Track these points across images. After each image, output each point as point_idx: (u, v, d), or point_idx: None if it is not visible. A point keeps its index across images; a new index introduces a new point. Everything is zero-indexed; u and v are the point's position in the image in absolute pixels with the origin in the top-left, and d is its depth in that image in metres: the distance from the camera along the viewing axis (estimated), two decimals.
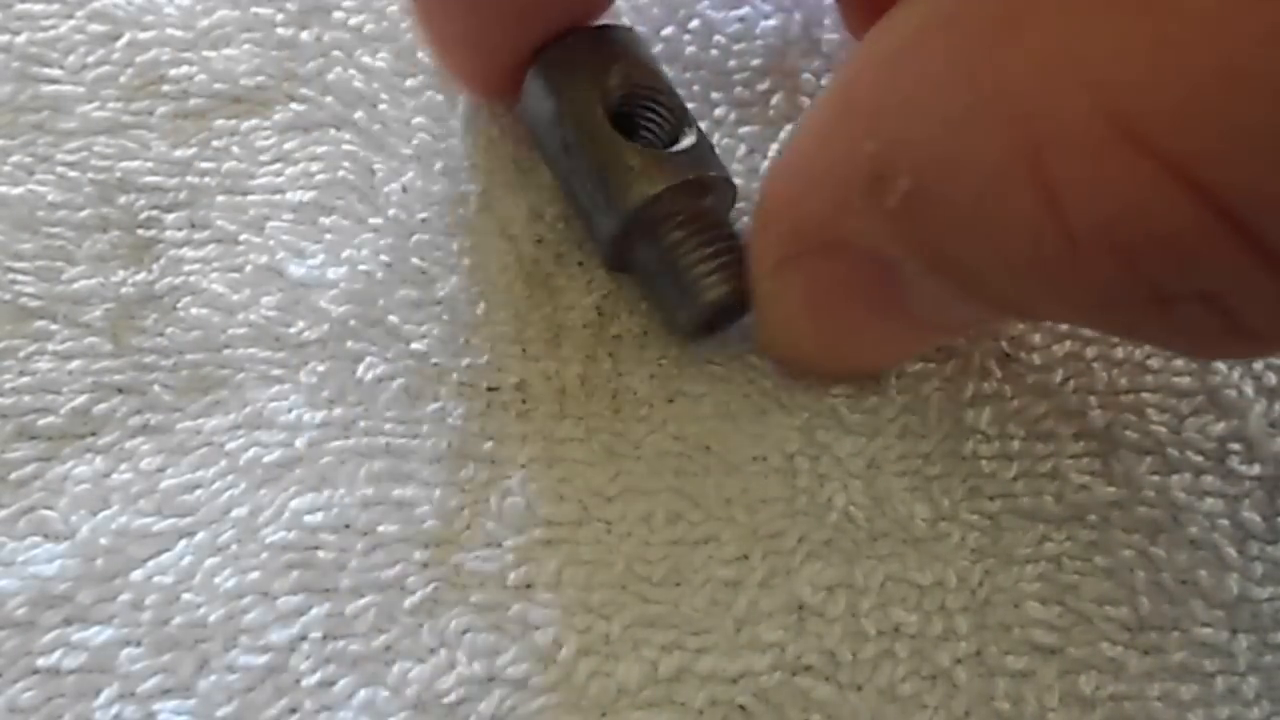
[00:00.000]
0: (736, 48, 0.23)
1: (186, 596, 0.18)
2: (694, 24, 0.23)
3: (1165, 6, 0.11)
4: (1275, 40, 0.10)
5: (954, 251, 0.14)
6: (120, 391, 0.19)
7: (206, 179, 0.21)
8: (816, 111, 0.16)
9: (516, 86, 0.20)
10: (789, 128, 0.22)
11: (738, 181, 0.20)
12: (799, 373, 0.20)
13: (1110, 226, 0.12)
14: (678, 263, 0.19)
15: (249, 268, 0.21)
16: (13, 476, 0.19)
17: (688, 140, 0.19)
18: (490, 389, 0.20)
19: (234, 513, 0.19)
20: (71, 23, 0.22)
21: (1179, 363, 0.21)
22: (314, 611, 0.18)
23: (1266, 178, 0.11)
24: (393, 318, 0.20)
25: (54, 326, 0.20)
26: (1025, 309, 0.15)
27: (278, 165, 0.21)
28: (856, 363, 0.20)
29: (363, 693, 0.17)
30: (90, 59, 0.22)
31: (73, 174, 0.21)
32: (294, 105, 0.22)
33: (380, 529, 0.19)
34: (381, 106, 0.22)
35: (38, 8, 0.22)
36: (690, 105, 0.20)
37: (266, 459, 0.19)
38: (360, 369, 0.20)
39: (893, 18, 0.14)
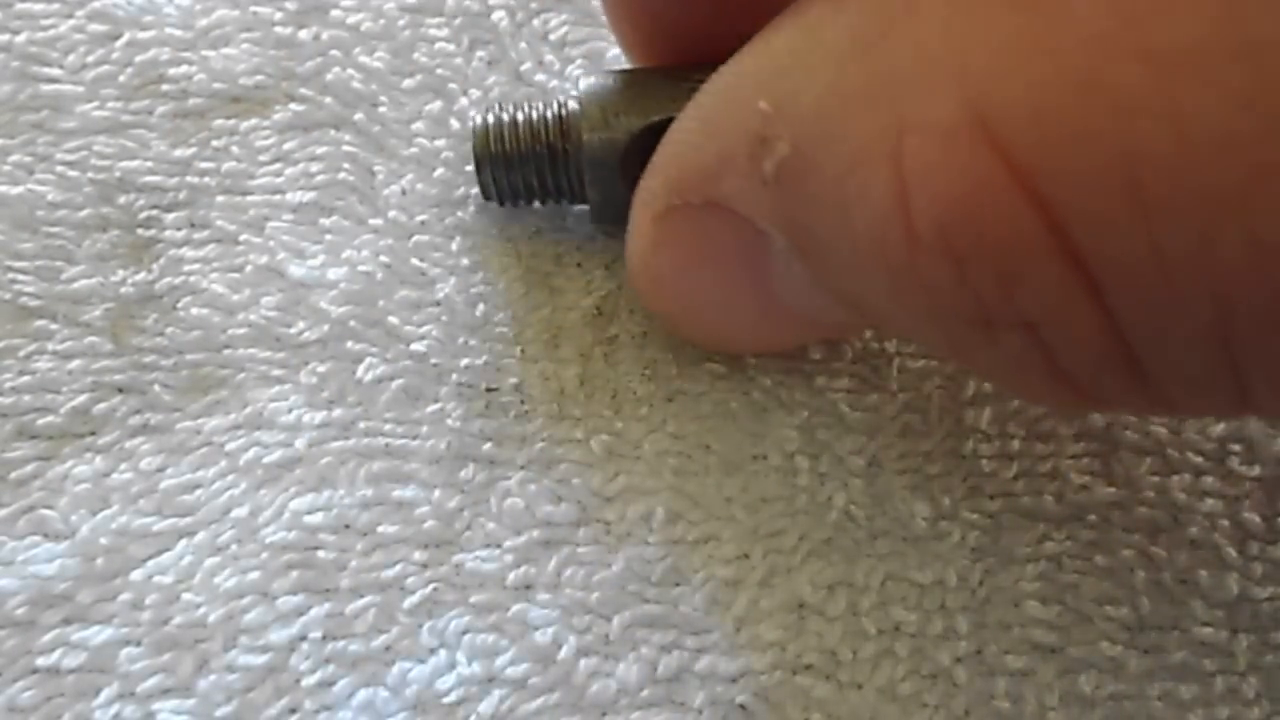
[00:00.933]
0: None
1: (186, 596, 0.18)
2: None
3: (1049, 10, 0.11)
4: (1147, 62, 0.10)
5: (815, 233, 0.14)
6: (120, 391, 0.19)
7: (206, 179, 0.21)
8: (728, 64, 0.16)
9: (678, 56, 0.19)
10: None
11: None
12: (668, 330, 0.20)
13: (948, 227, 0.12)
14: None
15: (249, 268, 0.21)
16: (13, 476, 0.19)
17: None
18: (489, 390, 0.20)
19: (234, 513, 0.19)
20: (71, 22, 0.22)
21: None
22: (314, 611, 0.18)
23: (1103, 199, 0.11)
24: (392, 318, 0.20)
25: (54, 326, 0.20)
26: (871, 311, 0.15)
27: (277, 165, 0.21)
28: (717, 336, 0.19)
29: (362, 693, 0.18)
30: (90, 58, 0.22)
31: (72, 173, 0.21)
32: (293, 105, 0.22)
33: (380, 529, 0.19)
34: (381, 108, 0.22)
35: (37, 7, 0.22)
36: None
37: (266, 459, 0.19)
38: (360, 370, 0.20)
39: None
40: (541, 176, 0.20)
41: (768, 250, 0.16)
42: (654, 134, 0.18)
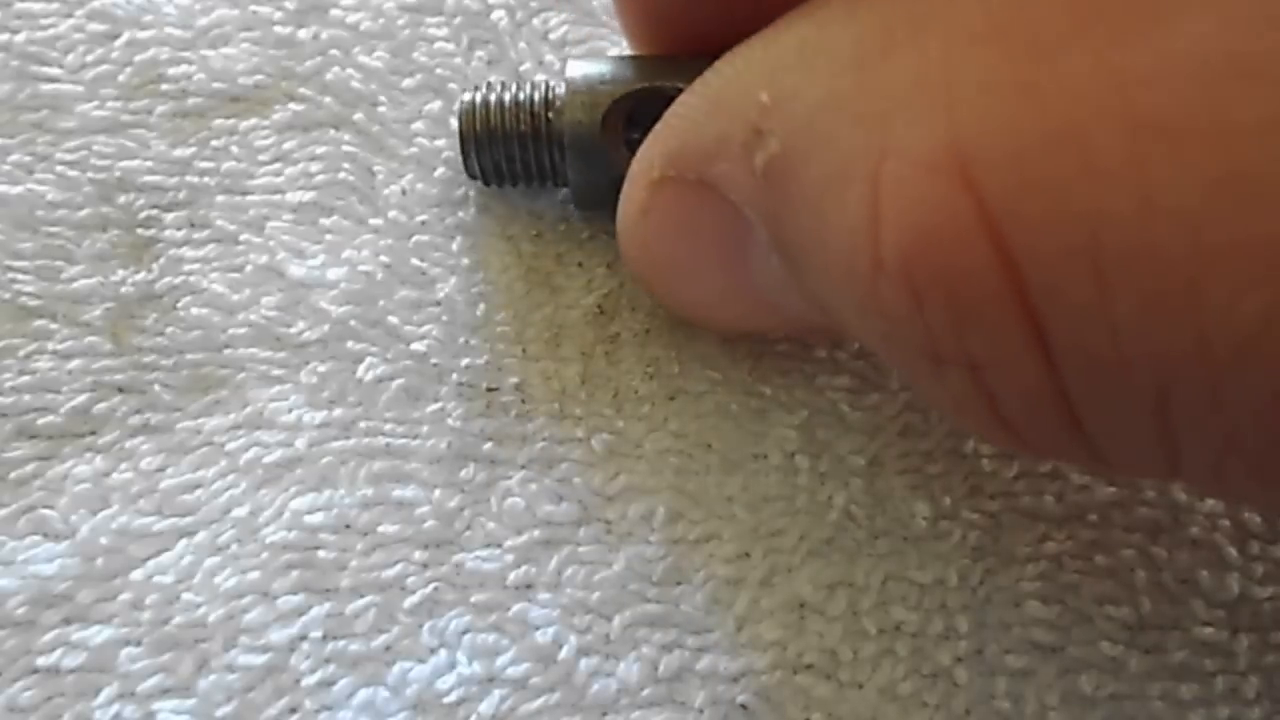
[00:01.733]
0: None
1: (186, 596, 0.18)
2: None
3: (1044, 61, 0.11)
4: (1126, 129, 0.10)
5: (793, 234, 0.14)
6: (120, 391, 0.19)
7: (206, 178, 0.21)
8: (740, 48, 0.16)
9: (679, 43, 0.19)
10: None
11: None
12: (647, 293, 0.20)
13: (911, 257, 0.12)
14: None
15: (249, 268, 0.21)
16: (13, 476, 0.19)
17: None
18: (490, 389, 0.20)
19: (234, 513, 0.19)
20: (71, 21, 0.22)
21: None
22: (314, 611, 0.18)
23: (1063, 257, 0.11)
24: (393, 318, 0.20)
25: (54, 326, 0.20)
26: (838, 320, 0.15)
27: (277, 165, 0.21)
28: (693, 310, 0.19)
29: (363, 693, 0.18)
30: (89, 58, 0.22)
31: (72, 173, 0.21)
32: (292, 105, 0.22)
33: (380, 529, 0.19)
34: (381, 108, 0.22)
35: (37, 6, 0.22)
36: None
37: (266, 459, 0.19)
38: (360, 369, 0.20)
39: None
40: (524, 153, 0.20)
41: (751, 238, 0.16)
42: (635, 100, 0.19)
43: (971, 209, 0.11)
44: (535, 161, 0.20)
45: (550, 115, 0.20)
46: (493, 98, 0.20)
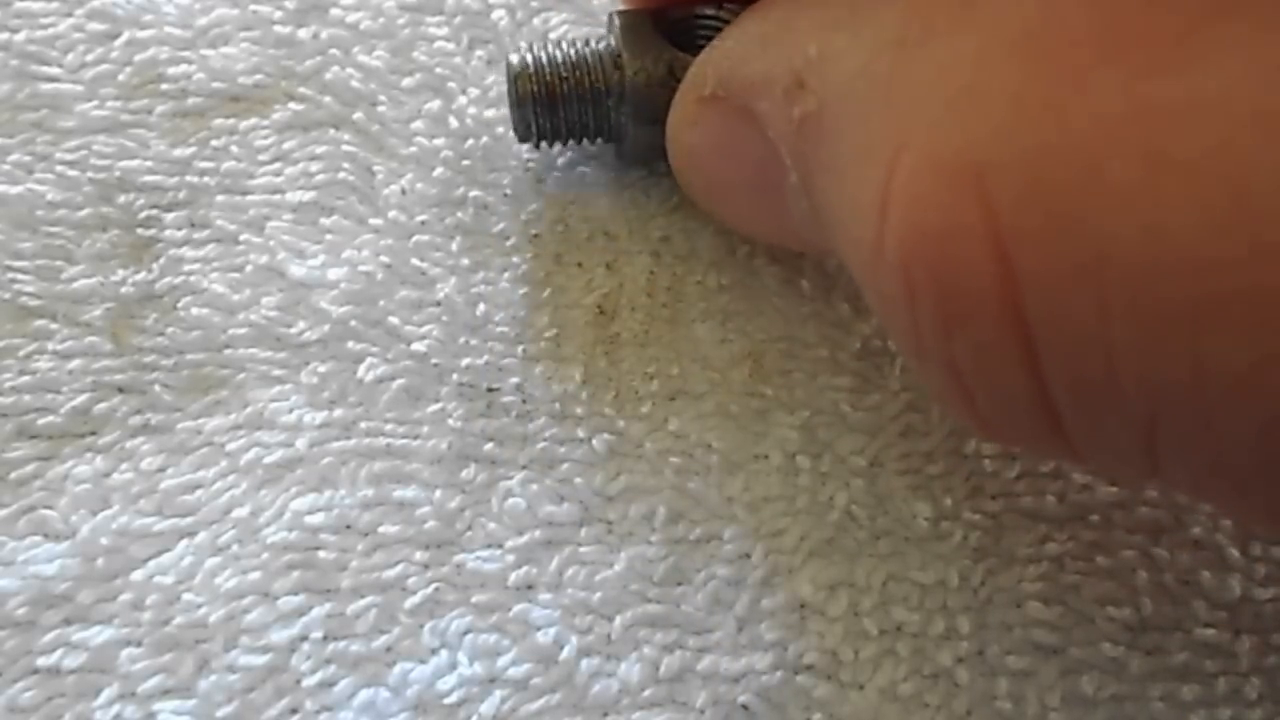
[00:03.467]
0: None
1: (187, 596, 0.18)
2: None
3: (1074, 79, 0.11)
4: (1147, 163, 0.10)
5: (817, 185, 0.15)
6: (120, 391, 0.19)
7: (206, 178, 0.21)
8: None
9: None
10: None
11: None
12: (692, 200, 0.20)
13: (912, 255, 0.12)
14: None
15: (249, 268, 0.20)
16: (13, 476, 0.19)
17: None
18: (490, 389, 0.20)
19: (234, 513, 0.19)
20: (70, 21, 0.22)
21: None
22: (314, 612, 0.18)
23: (1067, 284, 0.11)
24: (393, 318, 0.20)
25: (54, 326, 0.20)
26: (851, 271, 0.15)
27: (277, 165, 0.21)
28: (732, 222, 0.20)
29: (363, 693, 0.17)
30: (89, 57, 0.22)
31: (72, 173, 0.21)
32: (292, 104, 0.22)
33: (381, 529, 0.19)
34: (380, 108, 0.22)
35: (37, 6, 0.22)
36: None
37: (267, 459, 0.19)
38: (361, 370, 0.20)
39: None
40: (584, 113, 0.20)
41: (785, 174, 0.16)
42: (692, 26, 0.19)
43: (978, 218, 0.11)
44: (595, 120, 0.20)
45: (609, 84, 0.20)
46: (545, 57, 0.20)
